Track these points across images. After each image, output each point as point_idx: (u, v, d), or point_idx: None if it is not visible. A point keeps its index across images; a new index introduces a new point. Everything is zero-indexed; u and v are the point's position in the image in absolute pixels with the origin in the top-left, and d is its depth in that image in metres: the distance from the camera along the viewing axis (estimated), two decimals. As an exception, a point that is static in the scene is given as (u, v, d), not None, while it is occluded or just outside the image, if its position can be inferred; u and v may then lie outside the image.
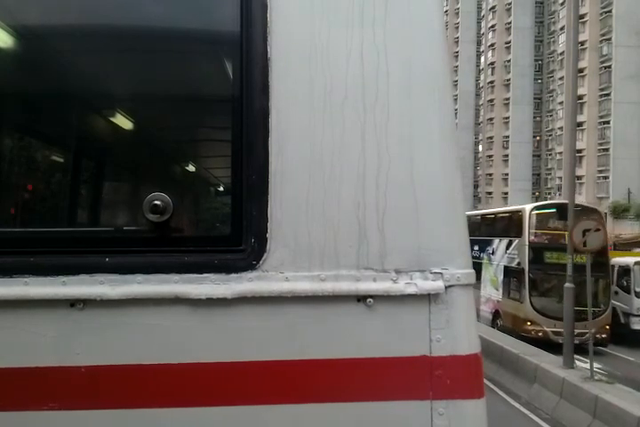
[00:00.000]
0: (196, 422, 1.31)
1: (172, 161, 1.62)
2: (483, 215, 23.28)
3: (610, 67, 57.16)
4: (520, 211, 18.45)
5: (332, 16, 1.46)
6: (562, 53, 64.18)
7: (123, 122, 1.57)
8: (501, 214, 21.16)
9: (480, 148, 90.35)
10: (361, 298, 1.44)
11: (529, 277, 17.13)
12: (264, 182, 1.42)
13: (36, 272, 1.34)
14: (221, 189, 1.56)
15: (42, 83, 1.54)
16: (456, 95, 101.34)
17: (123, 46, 1.52)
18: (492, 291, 19.09)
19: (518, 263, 17.59)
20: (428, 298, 1.45)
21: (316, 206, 1.44)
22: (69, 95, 1.54)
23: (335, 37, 1.46)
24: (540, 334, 16.54)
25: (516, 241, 17.94)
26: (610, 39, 57.13)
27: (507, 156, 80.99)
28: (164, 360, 1.35)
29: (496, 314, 18.99)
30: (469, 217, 23.22)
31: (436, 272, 1.46)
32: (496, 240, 19.40)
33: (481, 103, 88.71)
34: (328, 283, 1.42)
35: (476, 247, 19.82)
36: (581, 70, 59.61)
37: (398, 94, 1.49)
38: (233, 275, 1.41)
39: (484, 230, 21.24)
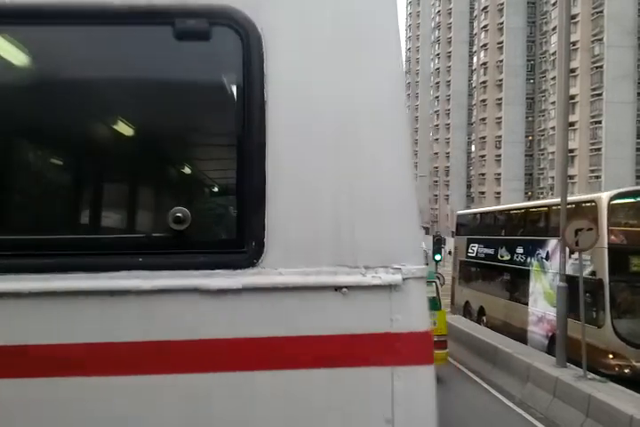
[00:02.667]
0: (213, 383, 1.80)
1: (192, 182, 2.15)
2: (527, 209, 18.63)
3: (601, 67, 57.49)
4: (593, 201, 13.77)
5: (315, 69, 1.87)
6: (554, 54, 64.46)
7: (157, 157, 2.09)
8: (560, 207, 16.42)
9: (473, 148, 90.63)
10: (337, 288, 1.83)
11: (609, 291, 12.62)
12: (262, 199, 1.82)
13: (90, 270, 1.79)
14: (228, 204, 1.97)
15: (99, 122, 2.08)
16: (449, 95, 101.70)
17: (160, 91, 2.03)
18: (547, 308, 14.19)
19: (592, 273, 12.85)
20: (390, 288, 1.84)
21: (301, 218, 1.85)
22: (123, 132, 2.07)
23: (317, 85, 1.88)
24: (627, 370, 12.15)
25: None
26: (601, 39, 57.46)
27: (499, 156, 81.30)
28: (184, 337, 1.79)
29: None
30: (502, 211, 20.96)
31: (395, 268, 1.85)
32: (552, 241, 14.21)
33: (474, 103, 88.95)
34: (312, 277, 1.82)
35: (520, 250, 16.57)
36: (573, 70, 59.88)
37: (366, 127, 1.90)
38: (238, 271, 1.80)
39: (529, 228, 16.91)
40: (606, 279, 12.56)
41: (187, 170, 2.19)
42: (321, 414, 1.83)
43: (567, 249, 12.03)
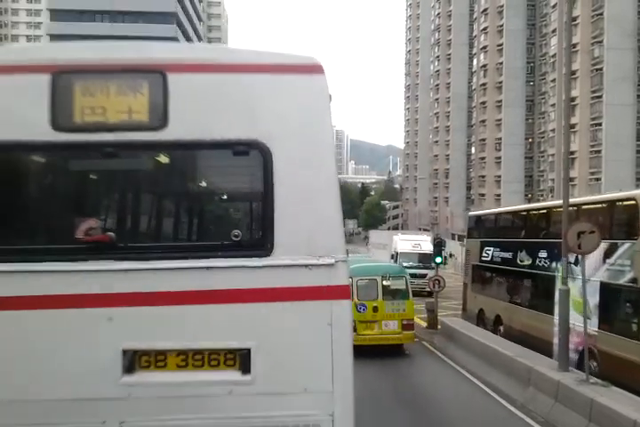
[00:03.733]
0: (250, 308, 3.59)
1: (242, 219, 4.17)
2: (551, 209, 16.01)
3: (601, 69, 57.38)
4: (632, 198, 12.24)
5: (295, 166, 3.64)
6: (554, 56, 64.42)
7: (229, 209, 4.34)
8: (591, 206, 14.34)
9: (473, 150, 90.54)
10: (307, 266, 3.63)
11: None
12: (272, 226, 3.62)
13: (201, 258, 3.60)
14: (257, 228, 3.88)
15: (207, 192, 4.30)
16: (448, 97, 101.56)
17: (230, 176, 4.14)
18: (577, 319, 12.24)
19: (633, 280, 11.54)
20: (329, 266, 3.62)
21: (291, 233, 3.63)
22: (218, 195, 4.31)
23: (297, 173, 3.65)
24: None
25: (625, 245, 11.82)
26: (601, 41, 57.37)
27: (499, 158, 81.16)
28: (239, 287, 3.59)
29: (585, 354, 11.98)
30: (522, 211, 19.18)
31: (332, 257, 3.65)
32: None
33: (473, 105, 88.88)
34: (296, 261, 3.60)
35: (543, 253, 14.66)
36: (573, 72, 59.76)
37: (319, 193, 3.71)
38: (262, 258, 3.61)
39: (554, 230, 14.42)
40: None
41: (240, 214, 4.32)
42: (302, 318, 3.65)
43: (603, 253, 11.75)
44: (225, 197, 4.22)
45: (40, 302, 3.32)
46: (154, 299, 3.44)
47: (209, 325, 3.54)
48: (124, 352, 3.38)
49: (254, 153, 3.61)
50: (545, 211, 16.71)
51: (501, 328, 17.57)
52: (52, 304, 3.34)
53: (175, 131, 3.51)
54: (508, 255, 17.59)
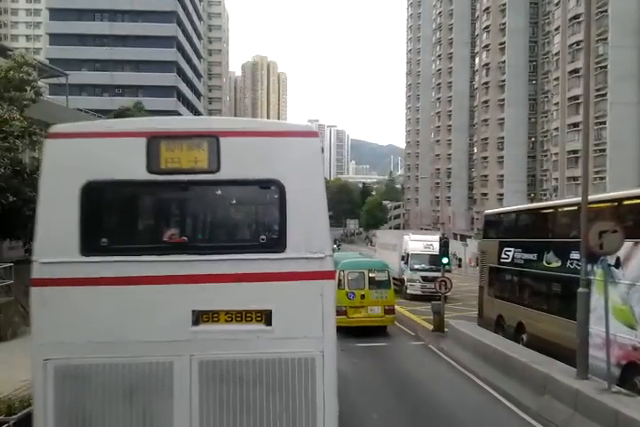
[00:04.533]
0: (267, 286, 5.45)
1: (267, 227, 5.93)
2: (587, 204, 12.51)
3: (605, 67, 56.68)
4: None
5: (298, 192, 5.42)
6: (557, 54, 63.79)
7: (258, 220, 6.25)
8: (633, 201, 12.14)
9: (475, 149, 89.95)
10: (306, 258, 5.41)
11: None
12: (285, 232, 5.46)
13: (238, 253, 5.51)
14: (275, 234, 5.57)
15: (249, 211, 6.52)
16: (450, 97, 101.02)
17: (261, 199, 6.01)
18: (619, 328, 11.07)
19: None
20: (321, 258, 5.44)
21: (297, 236, 5.43)
22: (254, 212, 6.46)
23: (300, 196, 5.44)
24: None
25: None
26: (605, 39, 56.65)
27: (502, 157, 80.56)
28: (262, 271, 5.42)
29: (632, 368, 11.01)
30: (549, 208, 17.05)
31: (322, 253, 5.46)
32: (627, 244, 10.60)
33: (475, 104, 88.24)
34: (299, 254, 5.42)
35: (575, 255, 12.63)
36: (576, 71, 59.18)
37: (313, 217, 5.51)
38: (279, 253, 5.43)
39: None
40: None
41: (264, 225, 5.90)
42: (304, 291, 5.36)
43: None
44: (255, 214, 6.32)
45: (144, 280, 5.31)
46: (211, 279, 5.34)
47: (245, 295, 5.40)
48: (193, 312, 5.31)
49: (274, 187, 5.48)
50: (577, 207, 14.13)
51: (524, 337, 15.92)
52: (151, 281, 5.31)
53: (224, 173, 5.43)
54: (532, 257, 16.03)
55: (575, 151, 59.41)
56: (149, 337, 5.23)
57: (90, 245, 5.24)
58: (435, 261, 28.44)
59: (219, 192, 5.85)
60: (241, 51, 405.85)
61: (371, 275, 19.78)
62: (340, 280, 19.12)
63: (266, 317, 5.35)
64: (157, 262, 5.31)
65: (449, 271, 28.32)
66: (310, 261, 5.41)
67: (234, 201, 6.11)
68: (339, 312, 17.86)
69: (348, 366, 14.97)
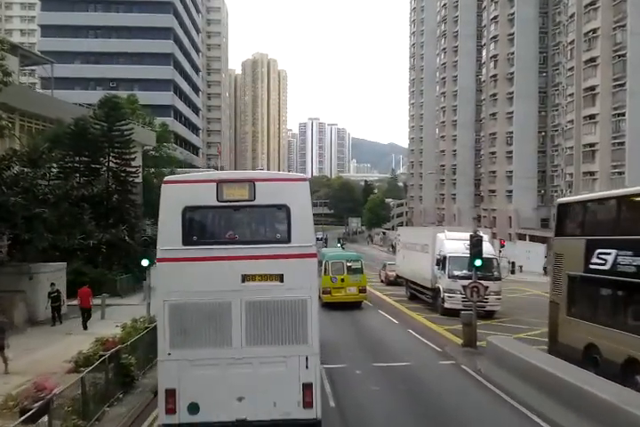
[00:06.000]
0: (282, 262, 9.72)
1: (279, 229, 9.96)
2: None
3: (624, 55, 53.61)
4: None
5: (299, 212, 9.70)
6: (571, 43, 60.70)
7: (275, 229, 10.24)
8: None
9: (482, 144, 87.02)
10: (300, 246, 9.60)
11: None
12: (290, 233, 9.67)
13: (262, 244, 10.08)
14: (284, 233, 9.75)
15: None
16: (455, 91, 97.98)
17: (277, 219, 10.26)
18: None
19: None
20: (309, 246, 9.68)
21: (298, 234, 9.63)
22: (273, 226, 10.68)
23: (299, 212, 9.74)
24: None
25: None
26: (624, 26, 53.60)
27: (510, 152, 77.58)
28: (276, 254, 9.62)
29: None
30: (601, 200, 14.90)
31: (310, 243, 9.73)
32: None
33: (483, 98, 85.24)
34: (298, 244, 9.61)
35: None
36: (593, 60, 56.28)
37: (301, 221, 9.72)
38: (287, 244, 9.63)
39: None
40: None
41: (279, 229, 9.87)
42: (300, 264, 9.55)
43: None
44: (274, 223, 10.12)
45: (216, 258, 9.36)
46: (250, 258, 9.37)
47: (269, 266, 9.44)
48: (242, 275, 9.33)
49: (283, 209, 9.60)
50: None
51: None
52: (219, 259, 9.36)
53: (258, 201, 9.55)
54: None
55: (592, 145, 56.48)
56: (219, 288, 9.32)
57: (187, 240, 9.44)
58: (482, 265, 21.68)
59: (255, 211, 9.94)
60: (241, 48, 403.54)
61: (348, 264, 27.67)
62: (325, 269, 27.15)
63: (280, 278, 9.44)
64: (223, 249, 9.47)
65: (498, 279, 24.74)
66: (303, 248, 9.53)
67: (263, 216, 10.17)
68: (325, 292, 26.68)
69: (365, 396, 12.09)
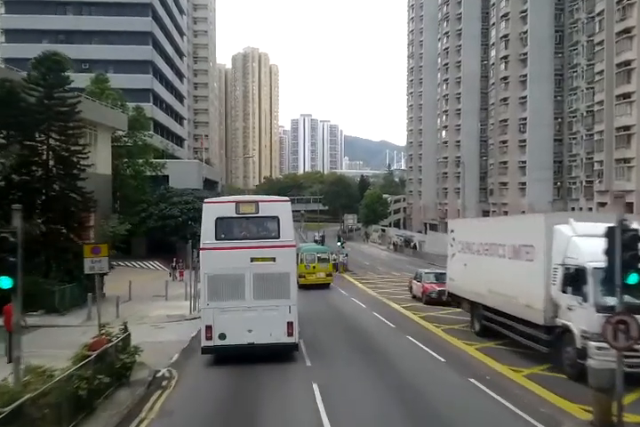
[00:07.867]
0: (278, 250, 17.38)
1: (273, 231, 17.53)
2: None
3: (664, 25, 46.98)
4: None
5: (285, 221, 17.44)
6: (600, 13, 53.82)
7: (270, 229, 17.78)
8: None
9: (490, 133, 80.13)
10: (285, 240, 17.23)
11: None
12: (279, 232, 17.32)
13: (269, 237, 18.20)
14: (276, 232, 17.37)
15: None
16: (459, 78, 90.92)
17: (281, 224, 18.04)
18: None
19: None
20: (290, 240, 17.35)
21: (283, 233, 17.27)
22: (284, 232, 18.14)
23: (284, 221, 17.46)
24: None
25: None
26: (665, -9, 46.98)
27: (524, 141, 70.82)
28: (275, 245, 17.22)
29: None
30: None
31: (290, 238, 17.44)
32: None
33: (492, 82, 78.27)
34: (284, 239, 17.24)
35: None
36: (628, 30, 49.49)
37: (287, 222, 17.46)
38: (278, 239, 17.20)
39: None
40: None
41: (273, 230, 17.36)
42: (285, 251, 17.02)
43: None
44: (270, 226, 17.32)
45: (234, 248, 16.67)
46: (256, 247, 16.80)
47: (267, 252, 16.72)
48: (250, 258, 16.58)
49: (276, 218, 17.19)
50: None
51: None
52: (237, 249, 16.65)
53: (260, 213, 17.25)
54: None
55: (627, 128, 49.66)
56: (237, 266, 16.27)
57: (218, 237, 16.72)
58: None
59: (259, 219, 17.20)
60: (232, 43, 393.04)
61: (318, 255, 39.30)
62: (301, 259, 36.87)
63: (273, 259, 16.52)
64: (239, 242, 16.71)
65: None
66: (287, 241, 16.84)
67: (263, 222, 17.31)
68: (300, 276, 34.32)
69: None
